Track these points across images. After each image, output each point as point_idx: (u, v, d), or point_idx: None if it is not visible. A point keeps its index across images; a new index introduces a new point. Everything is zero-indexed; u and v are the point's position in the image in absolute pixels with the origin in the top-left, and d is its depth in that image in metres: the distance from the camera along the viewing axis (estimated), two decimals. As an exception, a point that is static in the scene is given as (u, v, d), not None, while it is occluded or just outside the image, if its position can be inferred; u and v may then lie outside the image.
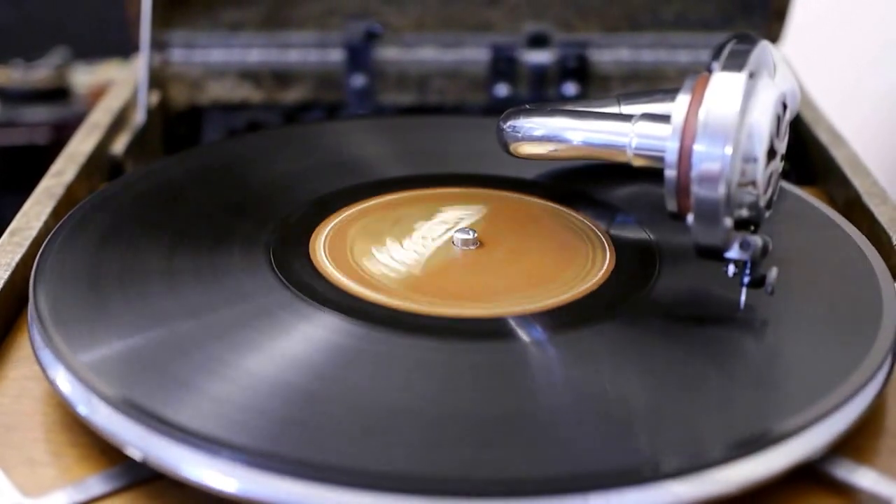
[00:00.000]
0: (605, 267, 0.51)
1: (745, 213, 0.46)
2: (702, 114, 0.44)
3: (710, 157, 0.43)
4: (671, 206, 0.46)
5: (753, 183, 0.45)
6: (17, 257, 0.52)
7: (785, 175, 0.62)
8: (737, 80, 0.44)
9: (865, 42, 1.12)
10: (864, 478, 0.41)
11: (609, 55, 0.80)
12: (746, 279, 0.46)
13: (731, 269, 0.46)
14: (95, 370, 0.42)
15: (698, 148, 0.44)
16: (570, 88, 0.79)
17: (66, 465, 0.42)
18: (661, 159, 0.48)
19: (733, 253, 0.45)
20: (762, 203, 0.46)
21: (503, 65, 0.80)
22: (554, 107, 0.55)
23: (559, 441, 0.40)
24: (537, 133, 0.54)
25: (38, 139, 0.95)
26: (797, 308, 0.48)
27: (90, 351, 0.43)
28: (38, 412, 0.44)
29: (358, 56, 0.79)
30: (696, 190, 0.44)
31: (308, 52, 0.80)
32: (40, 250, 0.50)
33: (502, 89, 0.80)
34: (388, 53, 0.80)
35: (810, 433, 0.40)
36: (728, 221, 0.44)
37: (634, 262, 0.51)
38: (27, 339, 0.47)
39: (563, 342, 0.45)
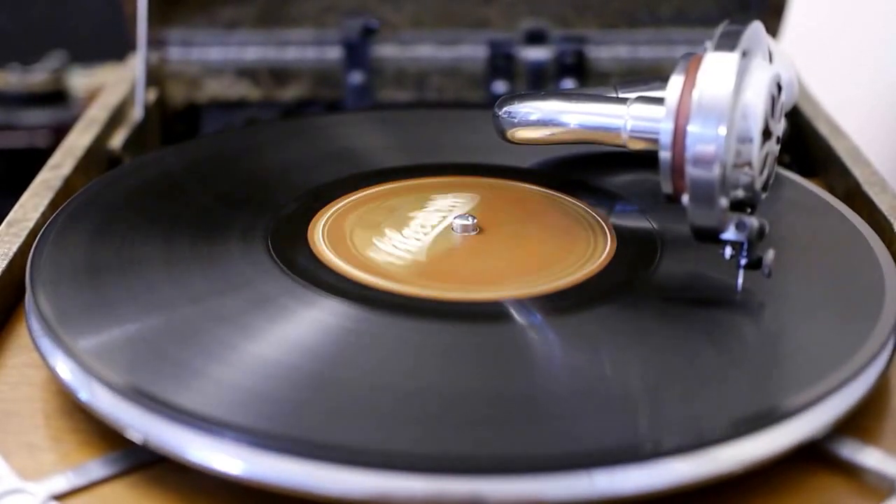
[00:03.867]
0: (605, 252, 0.51)
1: (740, 193, 0.46)
2: (695, 94, 0.44)
3: (704, 138, 0.43)
4: (666, 187, 0.46)
5: (749, 164, 0.45)
6: (15, 247, 0.52)
7: (786, 167, 0.62)
8: (729, 59, 0.44)
9: (864, 38, 1.12)
10: (869, 457, 0.41)
11: (607, 52, 0.80)
12: (743, 261, 0.46)
13: (728, 251, 0.46)
14: (95, 355, 0.42)
15: (692, 129, 0.44)
16: (568, 85, 0.79)
17: (65, 450, 0.42)
18: (656, 141, 0.48)
19: (729, 234, 0.45)
20: (758, 185, 0.46)
21: (501, 62, 0.80)
22: (549, 91, 0.55)
23: (563, 420, 0.40)
24: (533, 117, 0.54)
25: (37, 142, 0.95)
26: (799, 290, 0.48)
27: (89, 337, 0.43)
28: (37, 399, 0.45)
29: (356, 53, 0.79)
30: (691, 171, 0.44)
31: (306, 49, 0.80)
32: (37, 238, 0.50)
33: (500, 86, 0.80)
34: (386, 51, 0.80)
35: (811, 412, 0.40)
36: (723, 202, 0.44)
37: (635, 248, 0.51)
38: (25, 328, 0.47)
39: (565, 324, 0.45)
